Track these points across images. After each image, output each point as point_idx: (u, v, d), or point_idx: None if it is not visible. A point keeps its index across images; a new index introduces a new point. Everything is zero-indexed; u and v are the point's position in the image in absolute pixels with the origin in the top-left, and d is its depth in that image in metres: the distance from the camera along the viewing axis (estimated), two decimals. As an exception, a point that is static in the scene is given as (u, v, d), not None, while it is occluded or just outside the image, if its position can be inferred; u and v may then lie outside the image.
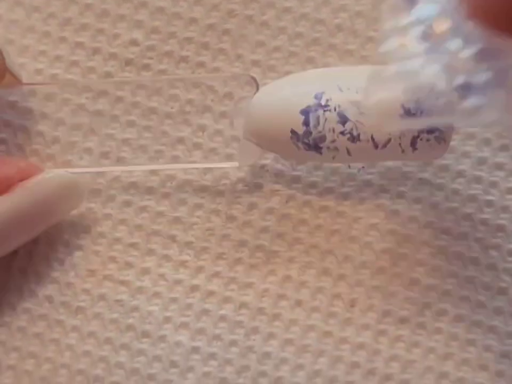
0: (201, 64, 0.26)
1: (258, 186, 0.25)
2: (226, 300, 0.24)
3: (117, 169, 0.25)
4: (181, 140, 0.25)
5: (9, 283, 0.24)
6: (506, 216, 0.25)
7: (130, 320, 0.24)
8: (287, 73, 0.25)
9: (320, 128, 0.22)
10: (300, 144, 0.22)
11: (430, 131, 0.22)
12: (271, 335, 0.24)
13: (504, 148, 0.25)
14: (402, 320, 0.24)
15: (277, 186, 0.25)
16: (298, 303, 0.24)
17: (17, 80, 0.24)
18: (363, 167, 0.25)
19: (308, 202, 0.25)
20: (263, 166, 0.25)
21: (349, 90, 0.22)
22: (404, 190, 0.25)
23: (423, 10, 0.19)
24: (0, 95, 0.25)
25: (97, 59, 0.25)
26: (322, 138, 0.22)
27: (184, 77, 0.25)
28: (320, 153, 0.23)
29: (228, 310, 0.24)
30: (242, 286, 0.24)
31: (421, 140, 0.22)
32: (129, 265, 0.25)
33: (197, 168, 0.25)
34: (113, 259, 0.25)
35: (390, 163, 0.25)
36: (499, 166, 0.25)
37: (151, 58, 0.25)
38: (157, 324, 0.24)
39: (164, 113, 0.25)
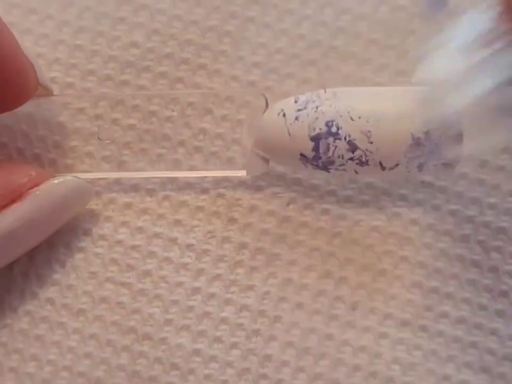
0: (201, 66, 0.25)
1: (259, 189, 0.25)
2: (227, 302, 0.24)
3: (126, 176, 0.25)
4: (181, 143, 0.25)
5: (11, 285, 0.24)
6: (508, 218, 0.25)
7: (132, 323, 0.24)
8: (288, 75, 0.25)
9: (329, 154, 0.22)
10: (308, 165, 0.23)
11: (438, 159, 0.22)
12: (272, 338, 0.24)
13: (506, 150, 0.25)
14: (404, 323, 0.24)
15: (278, 189, 0.25)
16: (300, 305, 0.24)
17: (48, 92, 0.24)
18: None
19: (309, 204, 0.25)
20: (264, 169, 0.25)
21: (360, 120, 0.22)
22: (405, 192, 0.25)
23: (469, 22, 0.18)
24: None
25: (97, 61, 0.25)
26: (331, 162, 0.22)
27: (199, 91, 0.25)
28: (328, 172, 0.23)
29: (229, 313, 0.24)
30: (243, 288, 0.24)
31: (427, 166, 0.22)
32: (130, 267, 0.25)
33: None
34: (114, 261, 0.25)
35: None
36: (501, 168, 0.25)
37: (151, 60, 0.25)
38: (158, 326, 0.24)
39: (164, 116, 0.25)
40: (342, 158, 0.22)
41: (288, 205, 0.25)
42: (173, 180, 0.25)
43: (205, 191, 0.25)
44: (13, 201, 0.22)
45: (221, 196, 0.25)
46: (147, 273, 0.24)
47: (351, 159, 0.22)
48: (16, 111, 0.23)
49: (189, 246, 0.25)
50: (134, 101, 0.25)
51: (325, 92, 0.23)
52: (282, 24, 0.25)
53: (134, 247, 0.25)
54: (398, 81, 0.25)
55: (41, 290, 0.24)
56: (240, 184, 0.25)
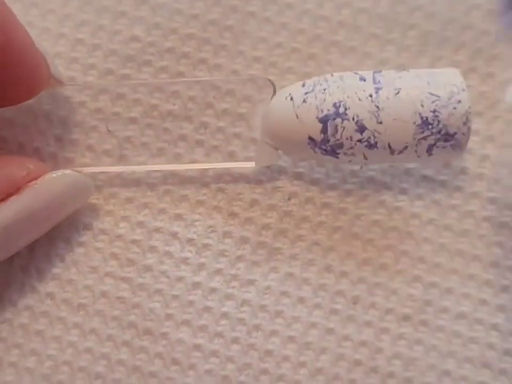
0: (202, 61, 0.25)
1: (260, 183, 0.25)
2: (228, 297, 0.24)
3: (127, 169, 0.25)
4: (183, 137, 0.25)
5: (11, 280, 0.24)
6: (510, 213, 0.25)
7: (132, 317, 0.24)
8: (289, 69, 0.25)
9: (338, 136, 0.22)
10: (317, 150, 0.23)
11: (447, 139, 0.22)
12: (273, 333, 0.24)
13: (507, 145, 0.25)
14: (405, 318, 0.24)
15: (279, 183, 0.25)
16: (301, 300, 0.24)
17: (60, 82, 0.24)
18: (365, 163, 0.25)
19: (310, 199, 0.25)
20: (265, 163, 0.25)
21: (368, 100, 0.22)
22: (406, 186, 0.25)
23: None
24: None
25: (98, 55, 0.25)
26: (340, 145, 0.22)
27: (201, 79, 0.25)
28: (337, 157, 0.23)
29: (230, 307, 0.24)
30: (244, 283, 0.24)
31: (437, 147, 0.22)
32: (130, 262, 0.24)
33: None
34: (114, 256, 0.25)
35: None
36: (502, 163, 0.25)
37: (152, 54, 0.25)
38: (158, 321, 0.24)
39: (165, 110, 0.25)
40: (351, 140, 0.22)
41: (289, 199, 0.25)
42: (174, 174, 0.25)
43: (205, 185, 0.25)
44: (10, 194, 0.22)
45: (221, 190, 0.25)
46: (147, 267, 0.24)
47: (360, 141, 0.22)
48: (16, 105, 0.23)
49: (190, 241, 0.25)
50: (135, 95, 0.25)
51: (332, 75, 0.23)
52: (282, 19, 0.25)
53: (134, 242, 0.25)
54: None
55: (41, 284, 0.24)
56: (241, 178, 0.25)
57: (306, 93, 0.23)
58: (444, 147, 0.22)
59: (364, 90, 0.22)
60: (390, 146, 0.22)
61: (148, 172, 0.25)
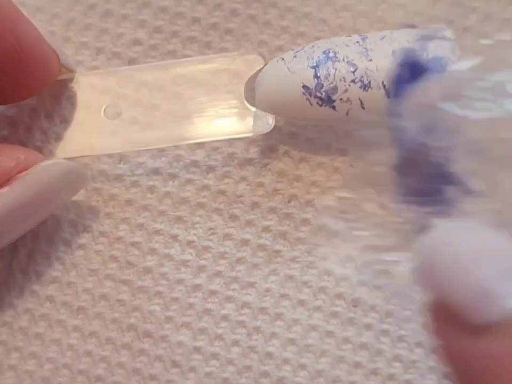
0: (203, 63, 0.26)
1: (260, 185, 0.25)
2: (228, 299, 0.24)
3: (121, 151, 0.25)
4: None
5: (10, 283, 0.24)
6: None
7: (132, 320, 0.24)
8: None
9: (331, 78, 0.22)
10: (312, 99, 0.23)
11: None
12: (273, 335, 0.24)
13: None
14: (405, 320, 0.24)
15: (279, 185, 0.25)
16: (301, 302, 0.24)
17: (70, 71, 0.24)
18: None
19: (310, 201, 0.25)
20: (265, 165, 0.25)
21: (355, 45, 0.23)
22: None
23: None
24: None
25: (101, 58, 0.26)
26: (334, 89, 0.22)
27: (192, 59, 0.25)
28: (334, 107, 0.23)
29: (230, 310, 0.24)
30: (244, 285, 0.24)
31: None
32: (130, 264, 0.24)
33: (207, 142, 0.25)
34: (114, 258, 0.25)
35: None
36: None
37: (154, 57, 0.26)
38: (158, 323, 0.24)
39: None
40: (344, 81, 0.22)
41: (289, 201, 0.25)
42: (174, 177, 0.25)
43: (206, 187, 0.25)
44: (0, 186, 0.22)
45: (222, 192, 0.25)
46: (147, 270, 0.24)
47: (353, 81, 0.22)
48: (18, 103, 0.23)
49: (190, 243, 0.25)
50: (135, 93, 0.25)
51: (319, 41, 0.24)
52: (283, 22, 0.26)
53: (134, 244, 0.25)
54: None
55: (40, 288, 0.24)
56: (241, 180, 0.25)
57: (296, 52, 0.23)
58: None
59: (350, 40, 0.23)
60: (384, 86, 0.22)
61: (148, 174, 0.25)
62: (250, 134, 0.24)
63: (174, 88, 0.25)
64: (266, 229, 0.25)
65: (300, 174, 0.25)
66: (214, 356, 0.24)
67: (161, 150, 0.25)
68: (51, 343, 0.24)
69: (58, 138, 0.25)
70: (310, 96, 0.23)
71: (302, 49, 0.23)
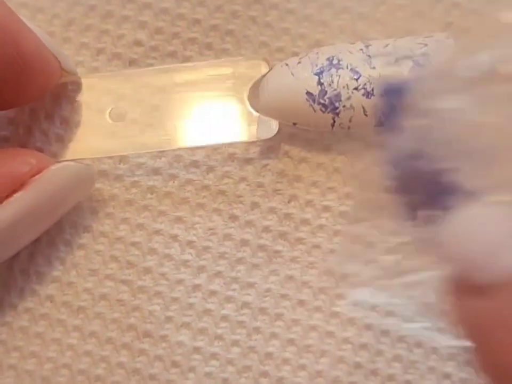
0: (204, 65, 0.26)
1: (260, 186, 0.25)
2: (228, 299, 0.24)
3: (125, 153, 0.25)
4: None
5: (11, 283, 0.24)
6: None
7: (132, 320, 0.24)
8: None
9: (334, 85, 0.22)
10: (316, 106, 0.23)
11: None
12: (273, 335, 0.24)
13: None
14: (406, 321, 0.24)
15: (279, 186, 0.25)
16: (301, 303, 0.24)
17: (72, 74, 0.24)
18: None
19: (309, 201, 0.25)
20: (265, 165, 0.25)
21: (359, 52, 0.23)
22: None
23: None
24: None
25: (102, 59, 0.26)
26: (338, 96, 0.22)
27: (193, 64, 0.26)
28: (337, 114, 0.23)
29: (230, 310, 0.24)
30: (244, 285, 0.24)
31: None
32: (130, 264, 0.24)
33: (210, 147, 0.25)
34: (114, 258, 0.25)
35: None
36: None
37: (154, 58, 0.26)
38: (158, 323, 0.24)
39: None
40: (347, 88, 0.22)
41: (289, 202, 0.25)
42: (174, 177, 0.25)
43: (206, 187, 0.25)
44: (14, 191, 0.22)
45: (222, 192, 0.25)
46: (147, 270, 0.24)
47: (356, 88, 0.22)
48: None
49: (190, 243, 0.25)
50: (138, 95, 0.25)
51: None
52: (283, 24, 0.26)
53: (134, 244, 0.25)
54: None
55: (41, 287, 0.24)
56: (241, 180, 0.25)
57: (300, 57, 0.23)
58: None
59: (354, 47, 0.23)
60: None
61: (149, 174, 0.25)
62: (253, 139, 0.24)
63: (178, 91, 0.25)
64: (266, 229, 0.25)
65: (300, 175, 0.25)
66: (214, 356, 0.24)
67: (161, 151, 0.25)
68: (51, 342, 0.24)
69: (59, 139, 0.25)
70: (314, 102, 0.23)
71: (306, 55, 0.23)
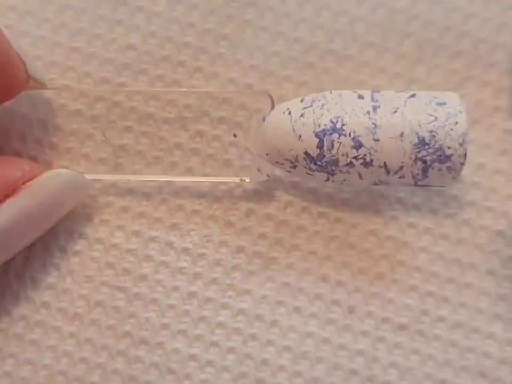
0: (198, 69, 0.25)
1: (256, 193, 0.25)
2: (224, 306, 0.24)
3: (129, 178, 0.25)
4: (178, 146, 0.25)
5: (6, 289, 0.24)
6: (506, 222, 0.25)
7: (127, 327, 0.24)
8: (285, 78, 0.25)
9: (334, 152, 0.22)
10: (312, 165, 0.22)
11: (443, 161, 0.22)
12: (268, 342, 0.24)
13: (503, 153, 0.25)
14: (401, 327, 0.24)
15: (275, 193, 0.25)
16: (296, 309, 0.24)
17: (41, 85, 0.24)
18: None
19: (306, 208, 0.25)
20: (261, 172, 0.25)
21: (365, 116, 0.22)
22: (402, 196, 0.25)
23: None
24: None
25: (93, 64, 0.25)
26: (335, 162, 0.22)
27: (198, 90, 0.25)
28: (332, 175, 0.22)
29: (226, 317, 0.24)
30: (240, 292, 0.24)
31: (432, 168, 0.22)
32: (126, 271, 0.24)
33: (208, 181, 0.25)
34: (110, 265, 0.24)
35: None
36: (498, 172, 0.25)
37: (148, 63, 0.25)
38: (154, 330, 0.24)
39: (161, 118, 0.25)
40: (347, 157, 0.22)
41: (285, 208, 0.25)
42: (169, 184, 0.25)
43: (201, 195, 0.25)
44: (6, 196, 0.22)
45: (217, 199, 0.25)
46: (143, 277, 0.24)
47: (356, 158, 0.22)
48: (12, 112, 0.23)
49: (185, 250, 0.25)
50: (131, 103, 0.25)
51: (331, 92, 0.23)
52: (279, 27, 0.25)
53: (130, 251, 0.25)
54: (395, 84, 0.25)
55: (36, 294, 0.24)
56: (237, 187, 0.25)
57: (304, 108, 0.22)
58: (440, 169, 0.22)
59: (361, 108, 0.22)
60: (385, 165, 0.22)
61: (144, 181, 0.25)
62: (247, 180, 0.24)
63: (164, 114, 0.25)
64: (262, 236, 0.25)
65: (296, 181, 0.25)
66: (210, 363, 0.24)
67: (156, 157, 0.25)
68: (46, 349, 0.24)
69: (53, 147, 0.25)
70: (311, 162, 0.22)
71: (310, 106, 0.22)
